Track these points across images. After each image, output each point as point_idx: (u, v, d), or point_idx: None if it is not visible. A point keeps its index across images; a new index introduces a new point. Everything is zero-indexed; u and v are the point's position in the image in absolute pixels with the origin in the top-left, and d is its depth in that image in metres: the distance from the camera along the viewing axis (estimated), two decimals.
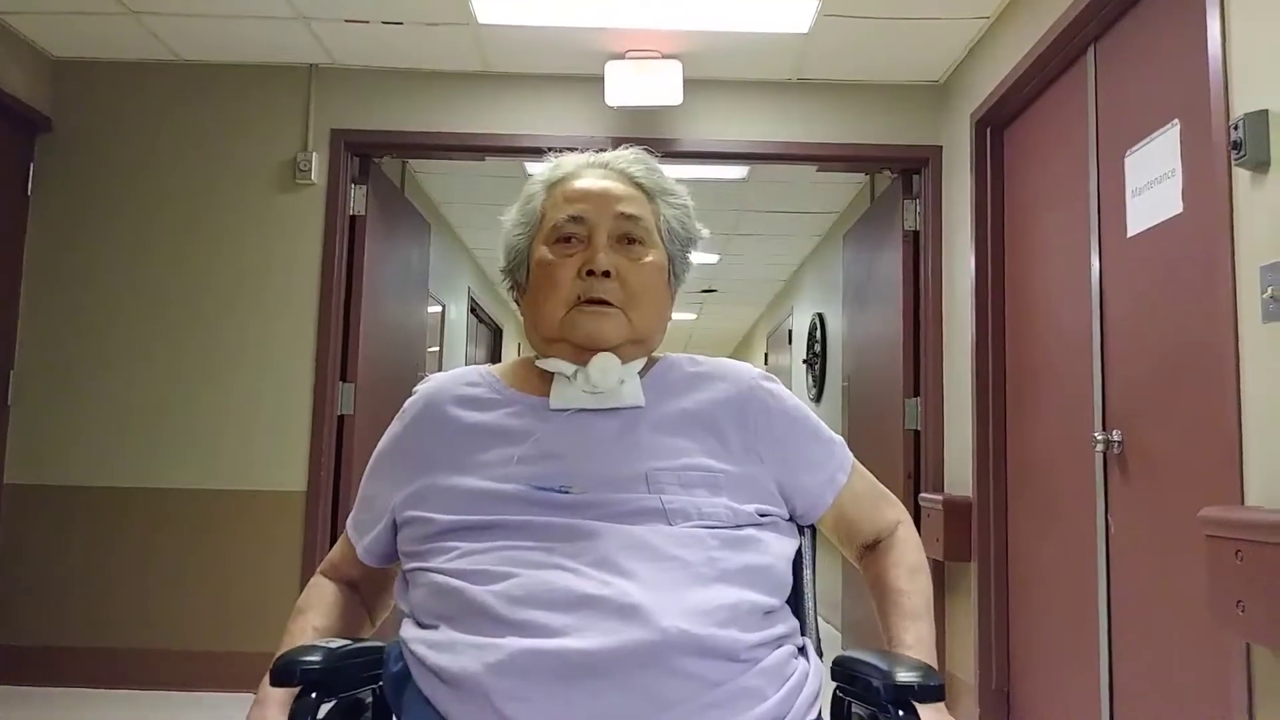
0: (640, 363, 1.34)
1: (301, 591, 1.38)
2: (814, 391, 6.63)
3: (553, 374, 1.31)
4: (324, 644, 1.14)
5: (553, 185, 1.36)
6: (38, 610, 3.93)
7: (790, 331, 8.07)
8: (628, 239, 1.31)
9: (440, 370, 6.84)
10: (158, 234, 4.11)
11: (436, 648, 1.12)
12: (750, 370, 1.39)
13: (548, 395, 1.30)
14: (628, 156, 1.37)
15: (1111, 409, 2.83)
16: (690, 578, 1.14)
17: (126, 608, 3.93)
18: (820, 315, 6.67)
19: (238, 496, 3.99)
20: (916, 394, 4.17)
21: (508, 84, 4.21)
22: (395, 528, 1.30)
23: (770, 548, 1.24)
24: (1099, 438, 2.82)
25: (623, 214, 1.31)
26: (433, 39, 3.89)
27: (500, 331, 9.84)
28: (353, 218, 4.19)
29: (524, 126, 4.19)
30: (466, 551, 1.18)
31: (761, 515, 1.26)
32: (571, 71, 4.15)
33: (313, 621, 1.29)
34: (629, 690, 1.05)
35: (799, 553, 1.34)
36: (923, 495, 4.02)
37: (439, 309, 6.67)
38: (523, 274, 1.36)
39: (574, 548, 1.16)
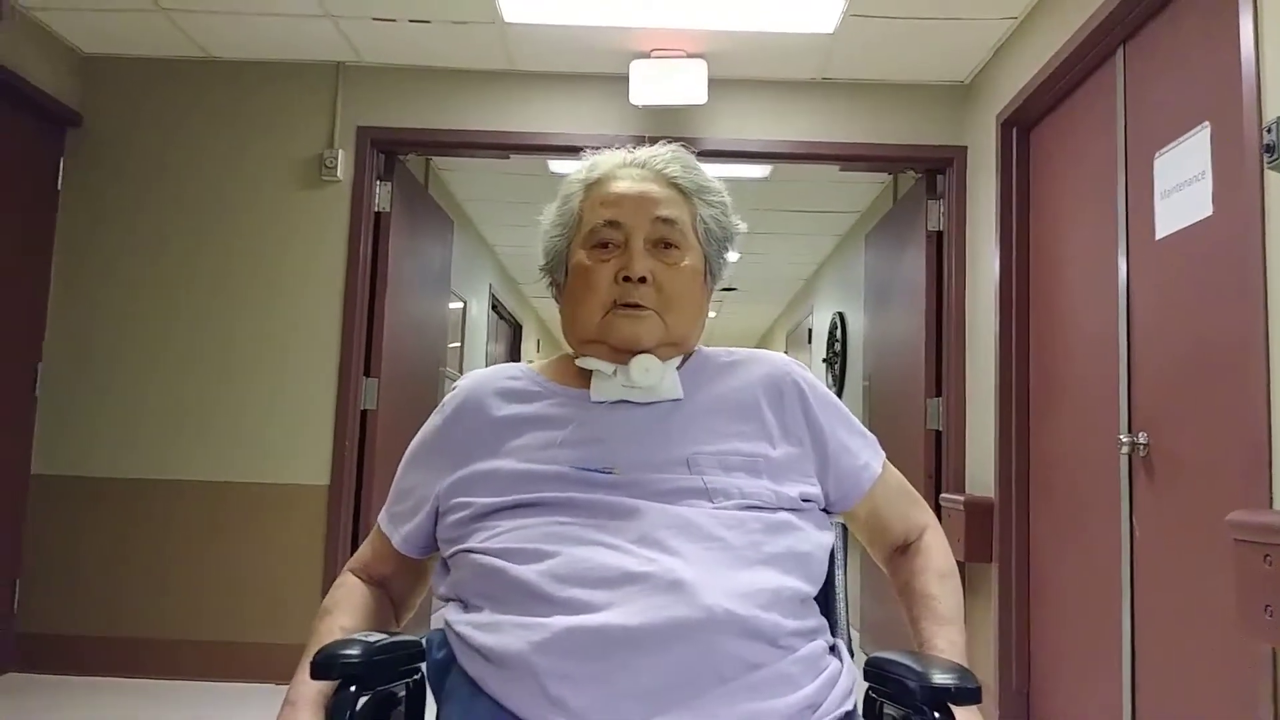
0: (677, 360, 1.36)
1: (323, 586, 1.39)
2: (834, 390, 6.62)
3: (592, 371, 1.33)
4: (362, 638, 1.16)
5: (590, 187, 1.37)
6: (60, 599, 3.97)
7: (810, 330, 8.05)
8: (664, 243, 1.32)
9: (461, 366, 6.84)
10: (185, 229, 4.14)
11: (482, 628, 1.14)
12: (784, 358, 1.42)
13: (587, 389, 1.32)
14: (665, 155, 1.38)
15: (1137, 411, 2.81)
16: (734, 559, 1.16)
17: (147, 598, 3.97)
18: (841, 314, 6.66)
19: (260, 490, 4.02)
20: (938, 394, 4.15)
21: (533, 82, 4.22)
22: (436, 517, 1.31)
23: (810, 536, 1.25)
24: (1124, 440, 2.80)
25: (659, 218, 1.32)
26: (459, 37, 3.91)
27: (520, 328, 9.86)
28: (377, 214, 4.21)
29: (549, 125, 4.20)
30: (509, 529, 1.20)
31: (804, 500, 1.27)
32: (596, 70, 4.16)
33: (340, 621, 1.29)
34: (672, 667, 1.06)
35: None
36: (944, 496, 4.01)
37: (460, 305, 6.69)
38: (561, 274, 1.38)
39: (617, 525, 1.17)
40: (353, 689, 1.11)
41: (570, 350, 1.40)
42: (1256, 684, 2.14)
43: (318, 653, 1.11)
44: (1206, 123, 2.51)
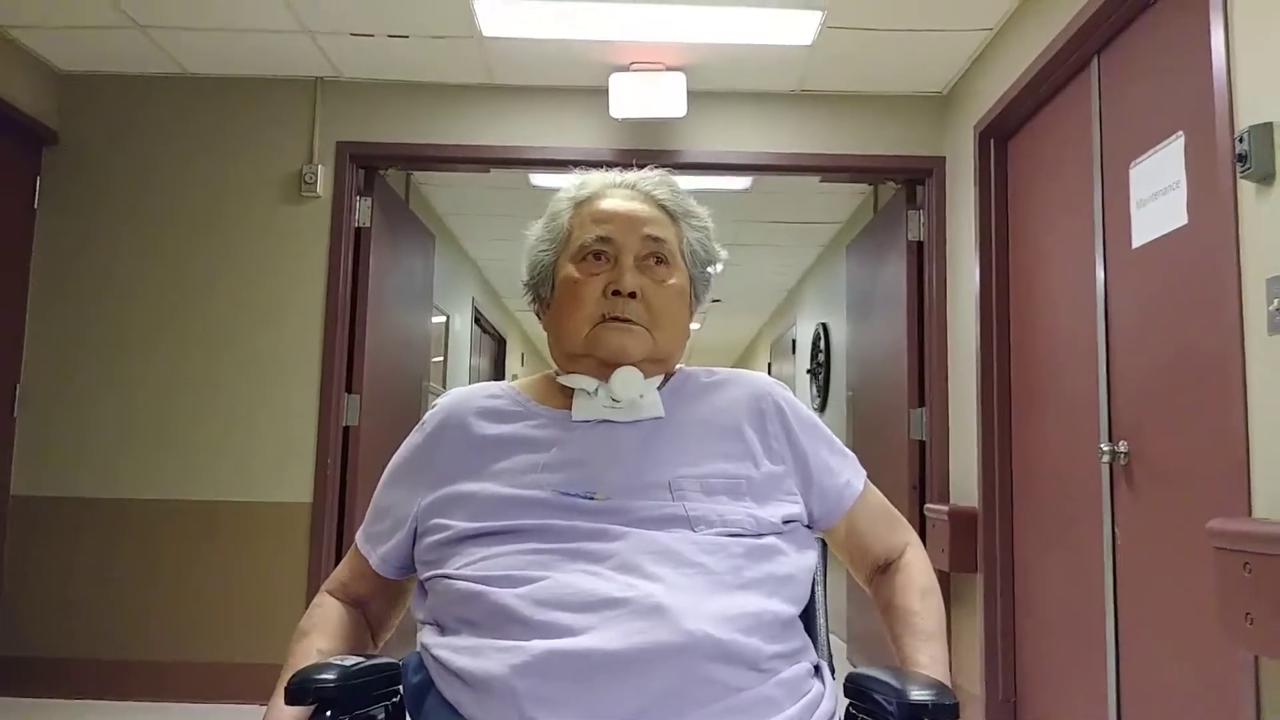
0: (659, 378, 1.36)
1: (307, 605, 1.37)
2: (818, 401, 6.63)
3: (574, 389, 1.33)
4: (338, 662, 1.14)
5: (580, 204, 1.38)
6: (43, 621, 3.93)
7: (794, 341, 8.07)
8: (653, 259, 1.34)
9: (444, 381, 6.81)
10: (163, 247, 4.12)
11: (461, 651, 1.13)
12: (765, 378, 1.42)
13: (569, 409, 1.32)
14: (653, 179, 1.40)
15: (1118, 420, 2.83)
16: (714, 584, 1.15)
17: (131, 619, 3.93)
18: (824, 325, 6.67)
19: (243, 508, 4.00)
20: (921, 404, 4.17)
21: (512, 96, 4.22)
22: (415, 538, 1.30)
23: (792, 559, 1.25)
24: (1105, 449, 2.82)
25: (648, 236, 1.34)
26: (438, 52, 3.91)
27: (504, 342, 9.84)
28: (358, 230, 4.20)
29: (528, 139, 4.20)
30: (489, 555, 1.19)
31: (785, 522, 1.27)
32: (576, 84, 4.16)
33: (317, 644, 1.28)
34: (651, 692, 1.05)
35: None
36: (928, 506, 4.02)
37: (443, 320, 6.68)
38: (547, 289, 1.38)
39: (598, 551, 1.17)
40: (328, 714, 1.09)
41: (554, 368, 1.40)
42: (1239, 690, 2.14)
43: (292, 677, 1.10)
44: (1180, 132, 2.53)
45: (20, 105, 3.92)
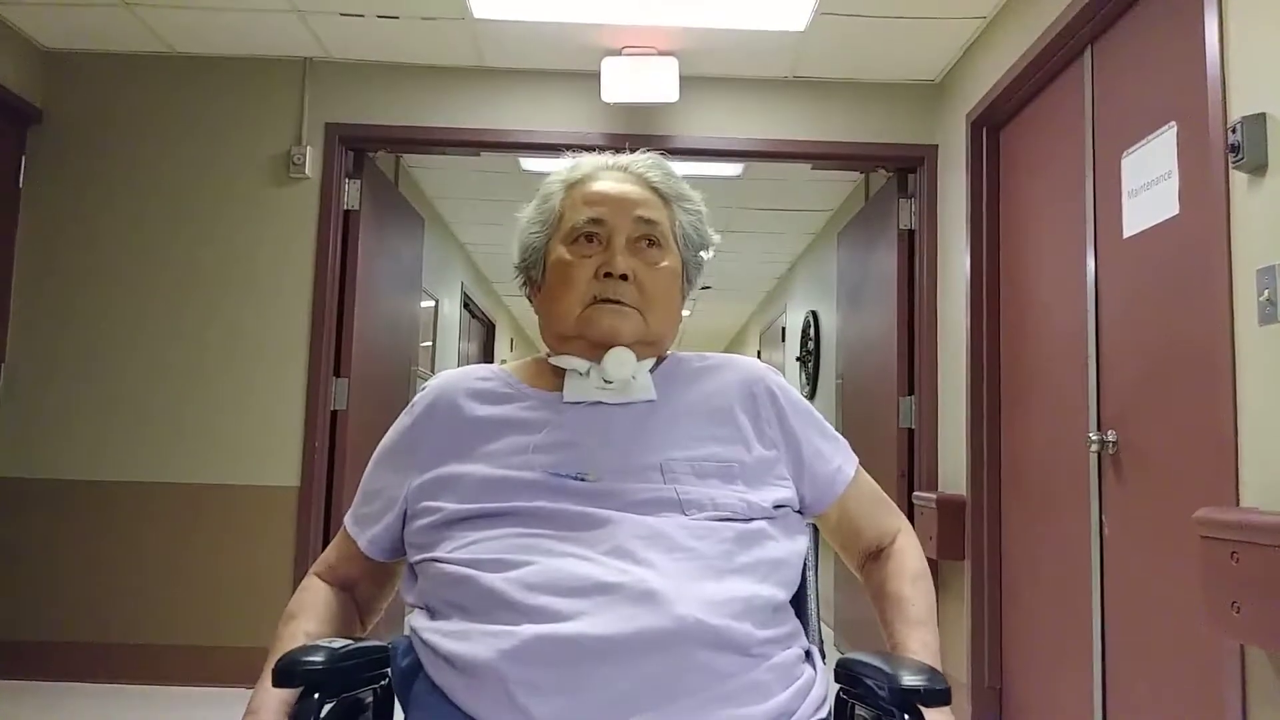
0: (651, 360, 1.35)
1: (294, 589, 1.37)
2: (808, 389, 6.64)
3: (565, 371, 1.32)
4: (326, 644, 1.13)
5: (571, 186, 1.37)
6: (27, 604, 3.91)
7: (784, 329, 8.07)
8: (646, 240, 1.33)
9: (433, 365, 6.77)
10: (150, 227, 4.09)
11: (450, 636, 1.12)
12: (758, 363, 1.42)
13: (560, 391, 1.31)
14: (645, 161, 1.39)
15: (1106, 409, 2.83)
16: (705, 569, 1.15)
17: (117, 602, 3.92)
18: (814, 313, 6.68)
19: (230, 491, 3.98)
20: (911, 392, 4.17)
21: (503, 79, 4.20)
22: (404, 520, 1.29)
23: (782, 544, 1.25)
24: (1093, 438, 2.82)
25: (641, 218, 1.33)
26: (428, 33, 3.88)
27: (493, 327, 9.82)
28: (346, 212, 4.18)
29: (519, 122, 4.17)
30: (479, 539, 1.18)
31: (776, 506, 1.26)
32: (568, 67, 4.14)
33: (304, 626, 1.27)
34: (641, 678, 1.05)
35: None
36: (916, 494, 4.03)
37: (432, 304, 6.65)
38: (538, 272, 1.37)
39: (589, 536, 1.16)
40: (316, 696, 1.09)
41: (545, 350, 1.40)
42: (1225, 678, 2.16)
43: (279, 660, 1.09)
44: (1173, 122, 2.53)
45: (5, 82, 3.87)
